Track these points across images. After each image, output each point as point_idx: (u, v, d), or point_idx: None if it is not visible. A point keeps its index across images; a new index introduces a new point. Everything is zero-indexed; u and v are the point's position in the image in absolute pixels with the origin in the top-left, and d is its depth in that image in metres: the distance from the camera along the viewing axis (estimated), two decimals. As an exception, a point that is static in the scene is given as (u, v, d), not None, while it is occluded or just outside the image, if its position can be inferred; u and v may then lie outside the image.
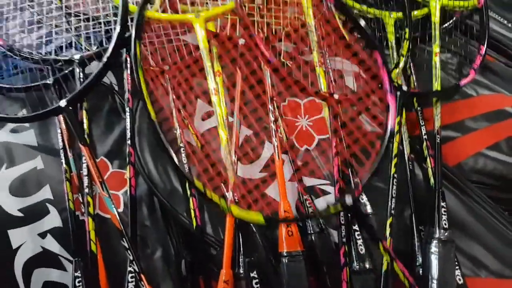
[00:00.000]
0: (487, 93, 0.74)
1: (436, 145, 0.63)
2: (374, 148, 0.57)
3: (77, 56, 0.61)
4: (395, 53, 0.70)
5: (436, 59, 0.68)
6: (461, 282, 0.57)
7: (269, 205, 0.60)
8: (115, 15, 0.61)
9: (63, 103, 0.53)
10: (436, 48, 0.69)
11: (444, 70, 0.74)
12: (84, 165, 0.59)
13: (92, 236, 0.55)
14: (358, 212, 0.52)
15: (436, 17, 0.72)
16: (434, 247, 0.56)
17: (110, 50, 0.53)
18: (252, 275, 0.53)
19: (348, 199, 0.44)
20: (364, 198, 0.60)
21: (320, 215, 0.56)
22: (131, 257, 0.51)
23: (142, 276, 0.50)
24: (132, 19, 0.59)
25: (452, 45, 0.76)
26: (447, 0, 0.74)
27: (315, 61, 0.63)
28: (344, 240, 0.54)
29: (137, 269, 0.50)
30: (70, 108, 0.53)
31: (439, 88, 0.67)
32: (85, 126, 0.62)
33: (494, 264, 0.62)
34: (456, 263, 0.58)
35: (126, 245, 0.51)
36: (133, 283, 0.53)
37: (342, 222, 0.55)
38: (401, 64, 0.67)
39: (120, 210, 0.62)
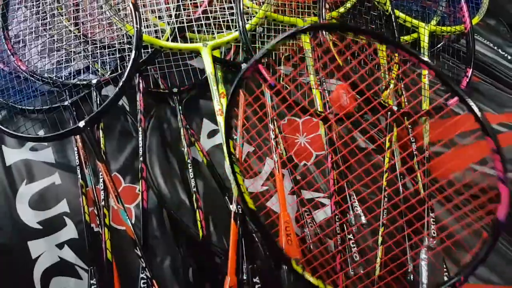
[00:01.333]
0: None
1: (425, 160, 0.68)
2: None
3: (94, 81, 0.66)
4: (386, 76, 0.75)
5: (425, 81, 0.74)
6: (450, 288, 0.61)
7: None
8: (129, 43, 0.67)
9: (81, 123, 0.58)
10: (425, 71, 0.75)
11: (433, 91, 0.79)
12: (101, 180, 0.63)
13: (108, 245, 0.59)
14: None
15: (424, 43, 0.77)
16: (423, 254, 0.60)
17: (126, 75, 0.58)
18: (255, 280, 0.56)
19: None
20: (358, 209, 0.64)
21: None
22: (143, 264, 0.55)
23: (154, 281, 0.54)
24: (145, 47, 0.65)
25: (440, 68, 0.81)
26: (435, 27, 0.80)
27: (311, 83, 0.69)
28: (339, 248, 0.58)
29: (149, 275, 0.54)
30: (88, 128, 0.58)
31: (428, 107, 0.72)
32: (102, 144, 0.67)
33: (482, 270, 0.65)
34: (445, 269, 0.62)
35: (139, 253, 0.55)
36: (145, 284, 0.57)
37: (338, 232, 0.59)
38: (391, 86, 0.72)
39: (132, 222, 0.67)
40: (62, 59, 0.71)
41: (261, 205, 0.68)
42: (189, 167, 0.69)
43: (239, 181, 0.50)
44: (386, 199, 0.63)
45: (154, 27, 0.68)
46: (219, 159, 0.72)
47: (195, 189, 0.67)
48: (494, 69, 0.85)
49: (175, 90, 0.75)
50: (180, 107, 0.74)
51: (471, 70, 0.78)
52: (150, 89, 0.74)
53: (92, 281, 0.60)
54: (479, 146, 0.74)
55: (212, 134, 0.75)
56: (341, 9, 0.77)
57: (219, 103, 0.63)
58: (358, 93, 0.68)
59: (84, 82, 0.67)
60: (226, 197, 0.68)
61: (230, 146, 0.51)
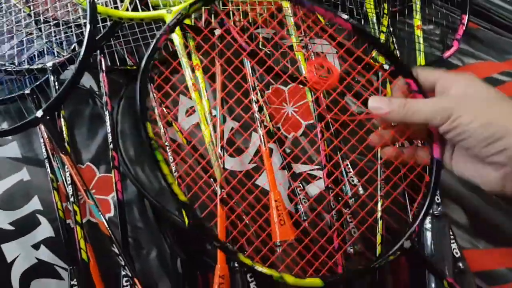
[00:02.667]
0: (473, 61, 0.73)
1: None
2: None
3: (50, 64, 0.59)
4: (376, 30, 0.68)
5: (418, 32, 0.67)
6: (458, 255, 0.56)
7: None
8: (85, 17, 0.59)
9: (39, 113, 0.52)
10: (417, 21, 0.68)
11: (427, 43, 0.72)
12: (67, 174, 0.58)
13: (82, 244, 0.54)
14: (418, 254, 0.46)
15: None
16: (428, 223, 0.55)
17: (82, 53, 0.51)
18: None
19: (407, 243, 0.42)
20: (354, 180, 0.59)
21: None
22: (122, 263, 0.50)
23: (136, 280, 0.49)
24: (103, 20, 0.58)
25: (433, 17, 0.74)
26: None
27: (294, 46, 0.62)
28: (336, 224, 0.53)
29: (129, 274, 0.49)
30: (48, 117, 0.52)
31: (423, 62, 0.66)
32: (65, 134, 0.61)
33: (491, 234, 0.61)
34: (452, 236, 0.57)
35: (116, 250, 0.50)
36: (128, 283, 0.53)
37: (333, 207, 0.54)
38: (382, 41, 0.65)
39: (111, 214, 0.62)
40: (14, 43, 0.63)
41: (250, 185, 0.64)
42: (168, 150, 0.63)
43: (163, 170, 0.44)
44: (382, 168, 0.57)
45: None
46: (201, 139, 0.66)
47: (176, 173, 0.62)
48: (493, 13, 0.78)
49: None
50: (151, 84, 0.67)
51: (467, 16, 0.71)
52: (116, 67, 0.67)
53: (72, 282, 0.56)
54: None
55: (190, 111, 0.69)
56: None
57: (191, 78, 0.57)
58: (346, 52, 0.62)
59: (39, 66, 0.59)
60: (212, 179, 0.62)
61: (149, 130, 0.45)
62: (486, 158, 0.38)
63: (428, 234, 0.55)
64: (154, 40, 0.45)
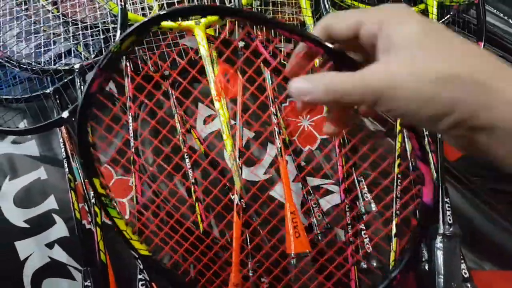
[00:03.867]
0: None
1: (437, 141, 0.64)
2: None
3: (77, 65, 0.60)
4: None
5: None
6: (466, 275, 0.58)
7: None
8: (113, 22, 0.61)
9: (65, 114, 0.52)
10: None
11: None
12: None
13: (101, 246, 0.55)
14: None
15: (433, 14, 0.72)
16: (439, 243, 0.56)
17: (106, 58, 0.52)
18: (262, 280, 0.53)
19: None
20: (368, 196, 0.61)
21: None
22: (141, 266, 0.51)
23: (154, 284, 0.50)
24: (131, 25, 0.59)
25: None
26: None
27: (315, 62, 0.63)
28: (351, 239, 0.54)
29: (147, 278, 0.50)
30: (73, 119, 0.53)
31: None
32: (90, 135, 0.62)
33: (497, 256, 0.63)
34: (461, 257, 0.59)
35: (135, 254, 0.50)
36: (144, 287, 0.53)
37: (348, 222, 0.55)
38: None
39: (126, 217, 0.62)
40: (41, 43, 0.64)
41: (264, 195, 0.64)
42: (186, 157, 0.64)
43: (120, 227, 0.43)
44: (398, 186, 0.58)
45: (141, 3, 0.62)
46: (217, 147, 0.67)
47: (193, 180, 0.63)
48: (505, 41, 0.80)
49: (166, 72, 0.69)
50: (172, 91, 0.68)
51: (482, 43, 0.73)
52: (139, 73, 0.68)
53: (86, 283, 0.56)
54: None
55: (209, 119, 0.70)
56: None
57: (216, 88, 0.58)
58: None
59: (66, 67, 0.60)
60: (227, 188, 0.63)
61: (97, 186, 0.40)
62: (442, 133, 0.29)
63: (439, 253, 0.56)
64: (86, 86, 0.36)
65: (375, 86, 0.27)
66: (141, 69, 0.69)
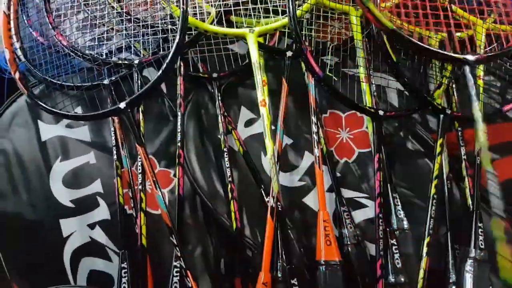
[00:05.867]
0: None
1: (476, 166, 0.64)
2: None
3: (136, 61, 0.64)
4: (438, 74, 0.71)
5: (480, 82, 0.69)
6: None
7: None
8: (172, 23, 0.64)
9: (122, 105, 0.56)
10: (480, 72, 0.70)
11: (487, 94, 0.74)
12: (139, 163, 0.62)
13: (144, 230, 0.58)
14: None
15: (481, 41, 0.72)
16: (469, 266, 0.57)
17: (170, 57, 0.55)
18: (292, 282, 0.54)
19: None
20: (401, 213, 0.61)
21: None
22: (178, 254, 0.53)
23: (188, 272, 0.52)
24: (190, 29, 0.62)
25: (497, 69, 0.76)
26: (493, 25, 0.75)
27: (361, 77, 0.65)
28: (381, 253, 0.55)
29: (183, 265, 0.53)
30: (129, 110, 0.56)
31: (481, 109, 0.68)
32: (141, 124, 0.66)
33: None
34: (490, 283, 0.59)
35: (174, 241, 0.53)
36: (178, 277, 0.56)
37: (381, 236, 0.56)
38: (443, 86, 0.67)
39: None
40: (103, 36, 0.69)
41: (297, 201, 0.67)
42: (225, 156, 0.67)
43: None
44: (434, 207, 0.59)
45: (199, 8, 0.65)
46: (256, 150, 0.70)
47: (230, 179, 0.65)
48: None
49: (214, 75, 0.72)
50: (218, 93, 0.71)
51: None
52: (189, 73, 0.72)
53: (123, 265, 0.59)
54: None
55: (249, 123, 0.73)
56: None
57: (262, 93, 0.60)
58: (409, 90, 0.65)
59: (126, 62, 0.64)
60: (262, 190, 0.65)
61: None
62: None
63: (468, 276, 0.56)
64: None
65: None
66: (191, 70, 0.72)
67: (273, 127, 0.68)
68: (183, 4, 0.57)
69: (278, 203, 0.57)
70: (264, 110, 0.60)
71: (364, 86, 0.65)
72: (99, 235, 0.65)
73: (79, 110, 0.71)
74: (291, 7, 0.60)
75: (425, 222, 0.58)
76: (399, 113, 0.66)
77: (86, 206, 0.66)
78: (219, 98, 0.71)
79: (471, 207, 0.62)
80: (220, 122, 0.69)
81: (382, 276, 0.54)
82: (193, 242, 0.64)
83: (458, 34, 0.70)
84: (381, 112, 0.62)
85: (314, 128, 0.67)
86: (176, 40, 0.56)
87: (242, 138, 0.70)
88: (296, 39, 0.61)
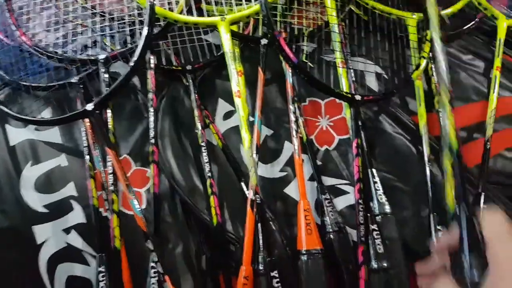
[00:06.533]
0: (509, 95, 0.74)
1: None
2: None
3: (102, 56, 0.62)
4: (416, 54, 0.70)
5: (496, 73, 0.70)
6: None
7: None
8: (140, 15, 0.62)
9: (89, 106, 0.53)
10: (497, 63, 0.70)
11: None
12: (109, 164, 0.60)
13: (117, 232, 0.56)
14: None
15: (501, 36, 0.73)
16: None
17: (137, 53, 0.53)
18: (272, 274, 0.53)
19: None
20: (383, 198, 0.60)
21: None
22: (155, 259, 0.52)
23: (166, 277, 0.50)
24: (158, 20, 0.60)
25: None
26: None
27: (337, 62, 0.64)
28: (362, 239, 0.54)
29: (161, 271, 0.51)
30: (97, 111, 0.54)
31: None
32: (111, 126, 0.63)
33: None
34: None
35: (150, 247, 0.51)
36: (156, 278, 0.54)
37: (361, 222, 0.55)
38: (422, 66, 0.66)
39: (143, 207, 0.63)
40: (69, 33, 0.66)
41: (278, 192, 0.65)
42: (203, 151, 0.65)
43: None
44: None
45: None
46: (236, 142, 0.68)
47: (209, 174, 0.63)
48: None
49: (188, 67, 0.70)
50: (194, 86, 0.69)
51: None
52: (162, 66, 0.69)
53: (100, 268, 0.57)
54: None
55: (228, 115, 0.71)
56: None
57: (237, 84, 0.58)
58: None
59: (91, 58, 0.62)
60: (242, 183, 0.64)
61: None
62: None
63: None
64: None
65: None
66: (164, 62, 0.70)
67: (252, 118, 0.67)
68: (149, -4, 0.55)
69: (257, 195, 0.55)
70: (239, 102, 0.59)
71: (341, 71, 0.63)
72: (75, 240, 0.62)
73: (48, 113, 0.69)
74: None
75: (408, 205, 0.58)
76: (376, 97, 0.65)
77: (60, 211, 0.63)
78: (195, 91, 0.69)
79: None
80: (196, 116, 0.67)
81: (364, 262, 0.52)
82: (174, 239, 0.62)
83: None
84: (358, 97, 0.60)
85: (292, 117, 0.65)
86: (143, 34, 0.54)
87: (220, 131, 0.69)
88: (268, 25, 0.59)
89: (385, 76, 0.66)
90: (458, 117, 0.67)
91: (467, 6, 0.77)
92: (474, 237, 0.35)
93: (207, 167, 0.64)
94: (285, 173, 0.67)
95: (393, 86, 0.65)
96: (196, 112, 0.67)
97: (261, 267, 0.55)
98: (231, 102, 0.70)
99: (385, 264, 0.55)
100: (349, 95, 0.61)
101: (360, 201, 0.55)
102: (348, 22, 0.71)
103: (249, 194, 0.56)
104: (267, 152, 0.68)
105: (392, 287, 0.54)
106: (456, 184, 0.43)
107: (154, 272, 0.54)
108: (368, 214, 0.57)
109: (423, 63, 0.67)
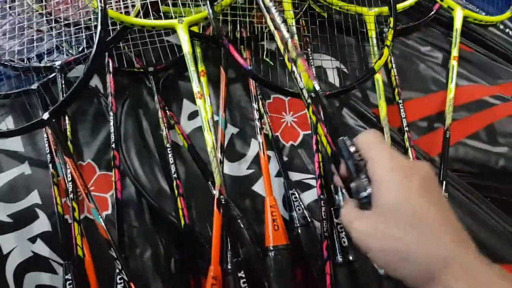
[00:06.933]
0: (466, 83, 0.76)
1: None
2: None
3: (58, 63, 0.61)
4: (375, 47, 0.71)
5: (454, 63, 0.71)
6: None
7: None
8: (96, 19, 0.61)
9: (45, 116, 0.52)
10: (455, 53, 0.72)
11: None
12: (68, 172, 0.59)
13: (79, 241, 0.55)
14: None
15: (457, 26, 0.75)
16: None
17: (91, 58, 0.52)
18: (239, 274, 0.53)
19: None
20: (344, 193, 0.61)
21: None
22: (119, 267, 0.51)
23: (132, 285, 0.50)
24: (113, 23, 0.60)
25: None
26: (470, 12, 0.78)
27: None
28: (326, 234, 0.55)
29: (126, 278, 0.50)
30: (54, 120, 0.53)
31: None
32: (69, 133, 0.62)
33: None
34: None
35: (114, 254, 0.51)
36: (122, 285, 0.54)
37: (324, 216, 0.56)
38: (385, 55, 0.67)
39: (109, 212, 0.63)
40: (25, 41, 0.65)
41: (246, 190, 0.65)
42: (169, 152, 0.65)
43: None
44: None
45: (123, 1, 0.63)
46: (201, 143, 0.68)
47: (175, 175, 0.63)
48: (487, 39, 0.81)
49: (150, 69, 0.69)
50: (157, 88, 0.69)
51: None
52: (123, 68, 0.69)
53: (67, 276, 0.56)
54: (473, 120, 0.72)
55: (193, 115, 0.71)
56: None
57: (198, 85, 0.58)
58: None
59: (46, 65, 0.61)
60: (209, 183, 0.64)
61: None
62: None
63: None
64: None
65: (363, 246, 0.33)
66: (125, 65, 0.69)
67: (216, 117, 0.67)
68: (100, 2, 0.54)
69: (221, 197, 0.56)
70: (200, 103, 0.59)
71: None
72: (41, 248, 0.61)
73: (10, 121, 0.68)
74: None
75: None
76: (333, 92, 0.65)
77: (25, 220, 0.62)
78: (158, 92, 0.69)
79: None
80: (160, 117, 0.67)
81: (329, 258, 0.53)
82: (142, 244, 0.62)
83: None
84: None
85: (256, 115, 0.66)
86: (96, 39, 0.53)
87: (186, 132, 0.69)
88: (218, 34, 0.59)
89: (346, 70, 0.67)
90: (419, 108, 0.70)
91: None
92: (356, 163, 0.37)
93: (173, 168, 0.64)
94: (252, 171, 0.67)
95: (355, 79, 0.66)
96: (160, 113, 0.66)
97: (229, 266, 0.56)
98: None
99: (350, 257, 0.56)
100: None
101: (322, 196, 0.56)
102: (307, 19, 0.71)
103: (216, 194, 0.57)
104: (234, 150, 0.68)
105: (358, 280, 0.55)
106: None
107: (120, 279, 0.53)
108: (332, 208, 0.58)
109: (386, 51, 0.67)
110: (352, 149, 0.38)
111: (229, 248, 0.57)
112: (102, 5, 0.53)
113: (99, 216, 0.51)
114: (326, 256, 0.53)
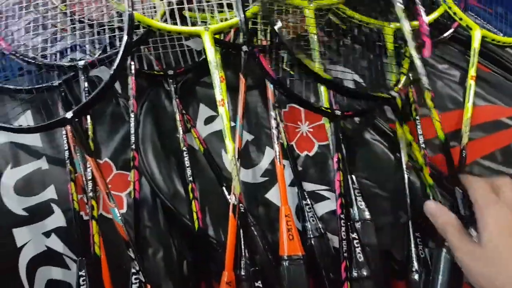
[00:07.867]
0: (483, 104, 0.76)
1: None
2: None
3: (81, 63, 0.61)
4: (393, 62, 0.71)
5: (471, 82, 0.72)
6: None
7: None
8: (120, 21, 0.62)
9: (69, 115, 0.53)
10: (472, 72, 0.73)
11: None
12: (89, 170, 0.60)
13: (96, 239, 0.56)
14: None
15: (475, 45, 0.75)
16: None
17: (117, 61, 0.53)
18: (257, 284, 0.54)
19: None
20: (362, 204, 0.61)
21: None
22: (137, 267, 0.52)
23: (149, 286, 0.51)
24: (138, 27, 0.60)
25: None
26: (488, 32, 0.78)
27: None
28: (346, 254, 0.54)
29: (143, 280, 0.51)
30: (76, 119, 0.54)
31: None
32: (90, 132, 0.63)
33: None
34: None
35: (132, 255, 0.51)
36: (137, 285, 0.54)
37: (344, 237, 0.55)
38: (402, 82, 0.67)
39: (123, 211, 0.63)
40: (48, 38, 0.66)
41: (260, 197, 0.66)
42: (185, 155, 0.65)
43: None
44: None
45: (150, 4, 0.63)
46: (217, 147, 0.68)
47: (191, 178, 0.64)
48: (505, 60, 0.82)
49: (170, 72, 0.70)
50: (175, 91, 0.69)
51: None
52: (143, 71, 0.70)
53: (81, 272, 0.57)
54: (489, 141, 0.73)
55: (209, 120, 0.71)
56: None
57: (221, 93, 0.59)
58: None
59: (70, 64, 0.61)
60: (224, 188, 0.64)
61: None
62: None
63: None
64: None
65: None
66: (145, 67, 0.70)
67: (233, 124, 0.68)
68: (128, 6, 0.55)
69: (241, 204, 0.56)
70: (223, 110, 0.59)
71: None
72: (55, 243, 0.62)
73: (29, 117, 0.68)
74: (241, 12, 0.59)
75: (387, 212, 0.59)
76: (356, 112, 0.65)
77: (40, 214, 0.63)
78: (176, 96, 0.69)
79: (431, 195, 0.63)
80: (178, 120, 0.67)
81: (347, 279, 0.53)
82: (154, 245, 0.62)
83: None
84: (338, 112, 0.61)
85: (273, 123, 0.66)
86: (123, 43, 0.54)
87: (202, 136, 0.69)
88: (249, 43, 0.60)
89: (364, 84, 0.67)
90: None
91: (442, 16, 0.79)
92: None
93: (188, 172, 0.64)
94: (266, 178, 0.67)
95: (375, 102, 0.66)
96: (177, 117, 0.67)
97: (243, 273, 0.56)
98: (212, 108, 0.71)
99: (364, 273, 0.56)
100: (329, 111, 0.62)
101: (342, 215, 0.55)
102: (327, 31, 0.72)
103: (231, 199, 0.57)
104: (249, 157, 0.69)
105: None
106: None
107: (135, 279, 0.54)
108: (348, 223, 0.58)
109: (403, 79, 0.68)
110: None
111: (243, 254, 0.57)
112: (130, 9, 0.54)
113: (119, 217, 0.52)
114: (344, 277, 0.53)
